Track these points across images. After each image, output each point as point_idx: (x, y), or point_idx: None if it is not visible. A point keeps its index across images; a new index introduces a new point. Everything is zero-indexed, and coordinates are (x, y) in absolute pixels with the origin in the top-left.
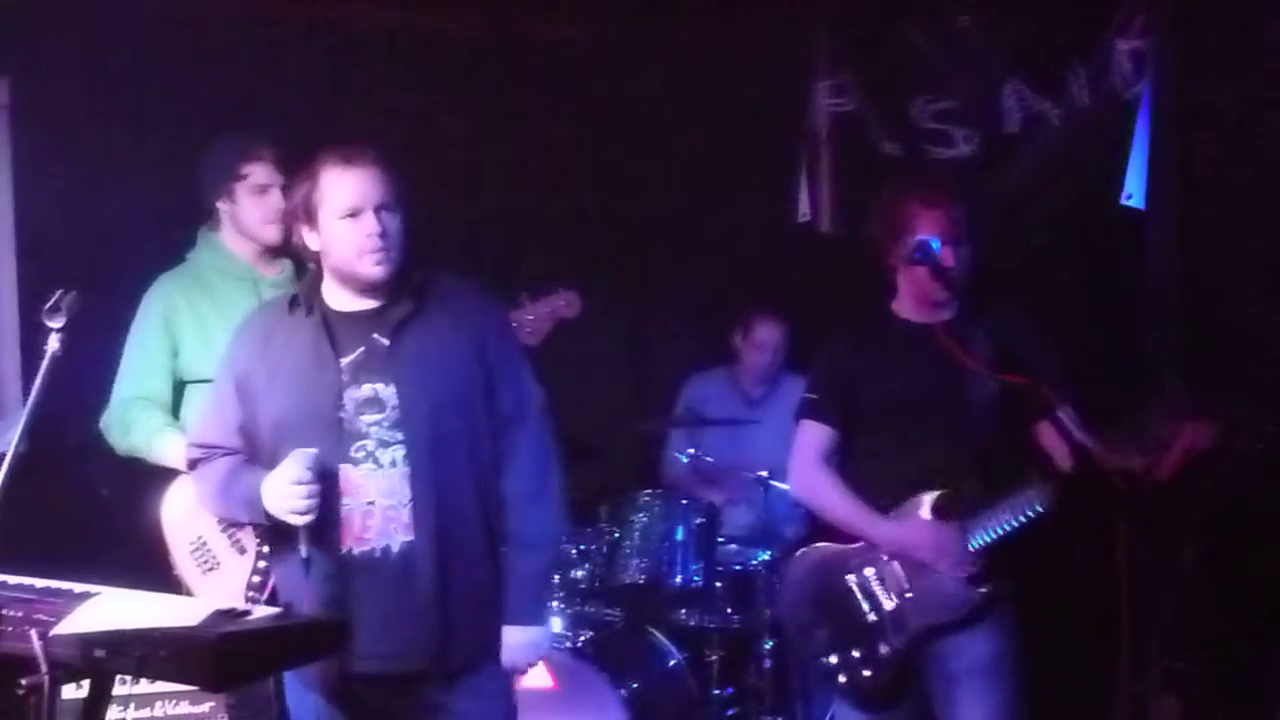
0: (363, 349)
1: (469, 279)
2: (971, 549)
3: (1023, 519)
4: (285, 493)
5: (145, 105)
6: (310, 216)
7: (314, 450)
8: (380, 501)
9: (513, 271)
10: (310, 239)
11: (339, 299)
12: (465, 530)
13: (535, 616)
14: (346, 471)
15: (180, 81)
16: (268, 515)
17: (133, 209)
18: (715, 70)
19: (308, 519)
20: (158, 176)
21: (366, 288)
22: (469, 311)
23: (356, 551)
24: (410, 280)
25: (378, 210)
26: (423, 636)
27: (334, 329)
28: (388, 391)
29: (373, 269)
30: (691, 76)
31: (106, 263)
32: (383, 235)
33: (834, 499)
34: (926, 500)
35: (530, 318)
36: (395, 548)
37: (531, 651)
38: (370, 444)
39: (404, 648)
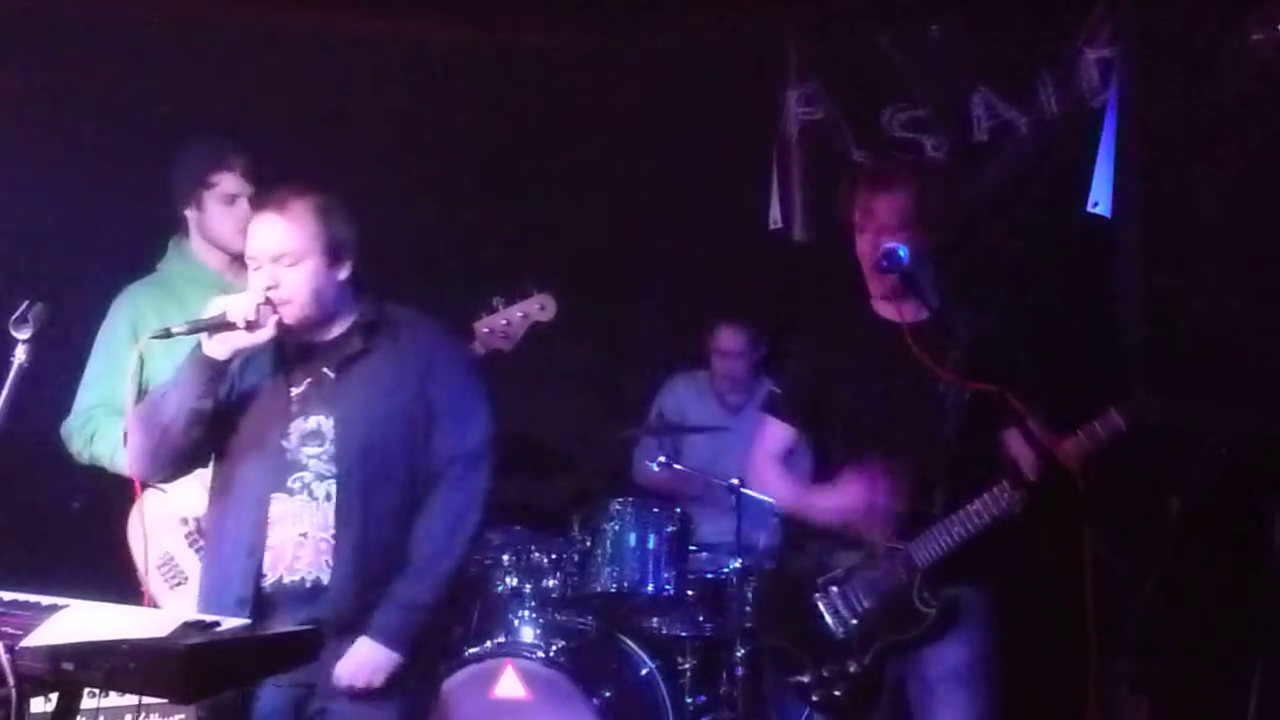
0: (310, 380)
1: (425, 316)
2: (920, 564)
3: (973, 529)
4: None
5: (113, 112)
6: None
7: None
8: (314, 534)
9: (487, 275)
10: None
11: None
12: (390, 565)
13: (394, 641)
14: (282, 501)
15: (149, 88)
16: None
17: (100, 219)
18: (688, 78)
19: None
20: (125, 185)
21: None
22: (418, 352)
23: (286, 580)
24: (364, 316)
25: (275, 261)
26: (329, 662)
27: (289, 360)
28: (328, 424)
29: (260, 331)
30: (664, 85)
31: (73, 273)
32: (275, 289)
33: (777, 485)
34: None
35: (504, 322)
36: (326, 579)
37: (368, 671)
38: (308, 475)
39: (313, 669)
